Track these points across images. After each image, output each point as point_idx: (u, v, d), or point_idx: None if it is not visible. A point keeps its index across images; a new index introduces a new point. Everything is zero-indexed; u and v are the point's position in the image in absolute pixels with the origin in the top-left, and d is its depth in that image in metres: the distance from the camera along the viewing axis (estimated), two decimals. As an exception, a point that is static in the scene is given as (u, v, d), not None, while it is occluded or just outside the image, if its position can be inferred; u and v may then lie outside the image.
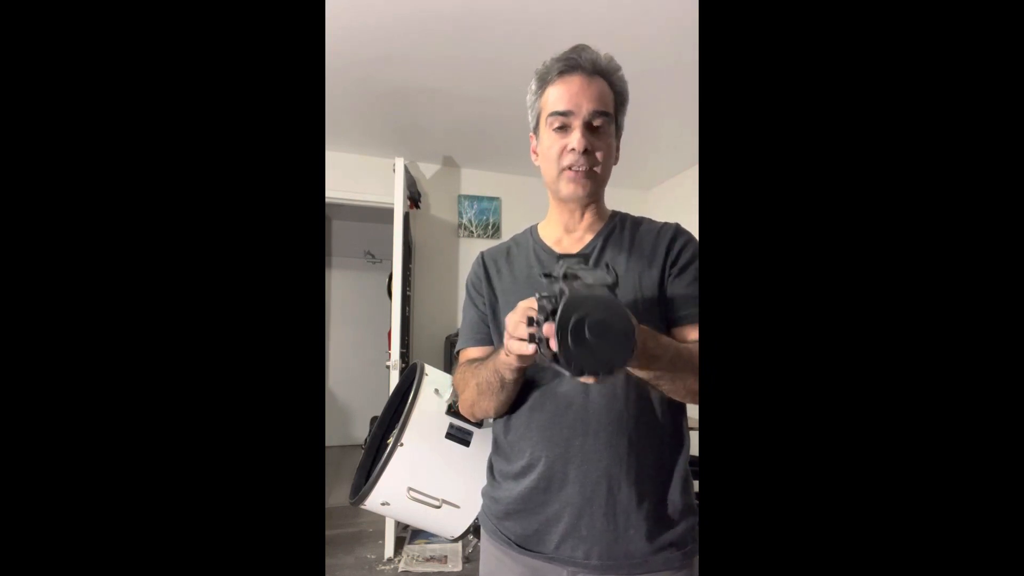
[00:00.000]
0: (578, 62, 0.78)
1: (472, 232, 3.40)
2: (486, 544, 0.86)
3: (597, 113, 0.77)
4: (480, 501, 0.90)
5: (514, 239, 0.93)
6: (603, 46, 0.81)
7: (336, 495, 3.37)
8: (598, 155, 0.78)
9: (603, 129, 0.78)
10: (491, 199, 3.44)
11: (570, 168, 0.78)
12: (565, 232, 0.85)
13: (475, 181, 3.42)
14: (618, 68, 0.81)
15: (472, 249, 3.40)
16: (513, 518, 0.80)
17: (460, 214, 3.39)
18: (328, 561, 2.48)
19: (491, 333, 0.86)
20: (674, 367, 0.66)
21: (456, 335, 3.21)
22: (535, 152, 0.86)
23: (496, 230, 3.44)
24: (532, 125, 0.85)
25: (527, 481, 0.79)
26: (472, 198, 3.41)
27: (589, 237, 0.84)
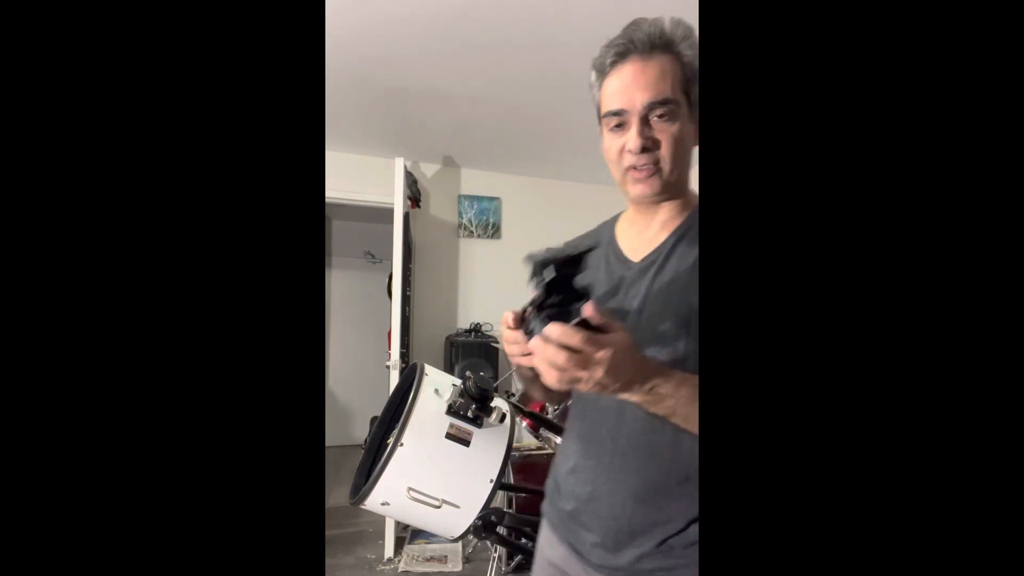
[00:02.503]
0: (632, 44, 0.69)
1: (472, 232, 3.40)
2: (545, 530, 0.88)
3: (654, 105, 0.68)
4: (479, 501, 0.91)
5: (599, 232, 0.86)
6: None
7: (336, 495, 3.36)
8: (662, 150, 0.70)
9: (667, 117, 0.69)
10: (491, 199, 3.44)
11: (633, 168, 0.72)
12: (639, 231, 0.79)
13: (475, 181, 3.42)
14: (687, 34, 0.70)
15: (472, 249, 3.41)
16: (559, 513, 0.83)
17: (460, 214, 3.39)
18: (328, 561, 2.48)
19: None
20: (687, 408, 0.62)
21: (456, 335, 3.23)
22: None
23: (496, 230, 3.44)
24: (597, 119, 0.78)
25: (571, 483, 0.80)
26: (472, 198, 3.41)
27: (663, 236, 0.76)
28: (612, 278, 0.77)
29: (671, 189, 0.74)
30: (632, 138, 0.69)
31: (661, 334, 0.70)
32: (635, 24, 0.70)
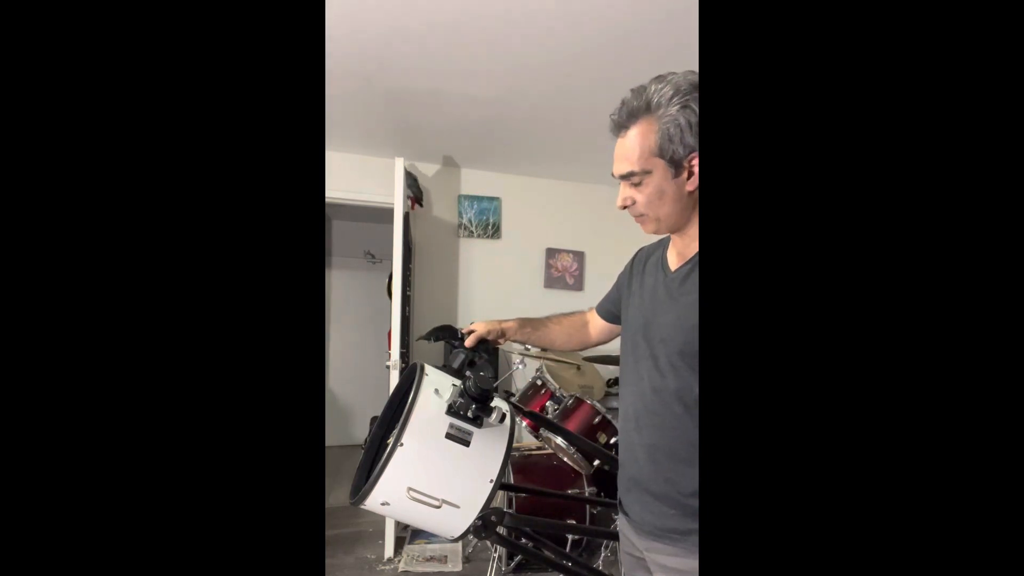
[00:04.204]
0: (613, 124, 0.86)
1: (472, 232, 3.40)
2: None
3: (625, 175, 0.86)
4: (479, 501, 0.91)
5: (662, 243, 1.01)
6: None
7: (336, 495, 3.36)
8: (638, 205, 0.88)
9: (636, 184, 0.86)
10: (491, 199, 3.43)
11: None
12: (678, 248, 0.94)
13: (475, 181, 3.42)
14: (669, 102, 0.81)
15: (472, 249, 3.41)
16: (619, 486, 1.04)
17: (460, 214, 3.38)
18: (328, 561, 2.48)
19: (616, 313, 1.09)
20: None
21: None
22: None
23: (496, 230, 3.44)
24: None
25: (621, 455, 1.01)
26: (472, 198, 3.40)
27: (689, 254, 0.91)
28: (656, 281, 0.95)
29: (666, 228, 0.91)
30: (618, 197, 0.89)
31: (687, 336, 0.84)
32: (622, 102, 0.85)
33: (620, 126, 0.85)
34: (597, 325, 1.20)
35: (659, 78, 0.83)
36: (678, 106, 0.81)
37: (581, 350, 1.25)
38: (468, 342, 1.09)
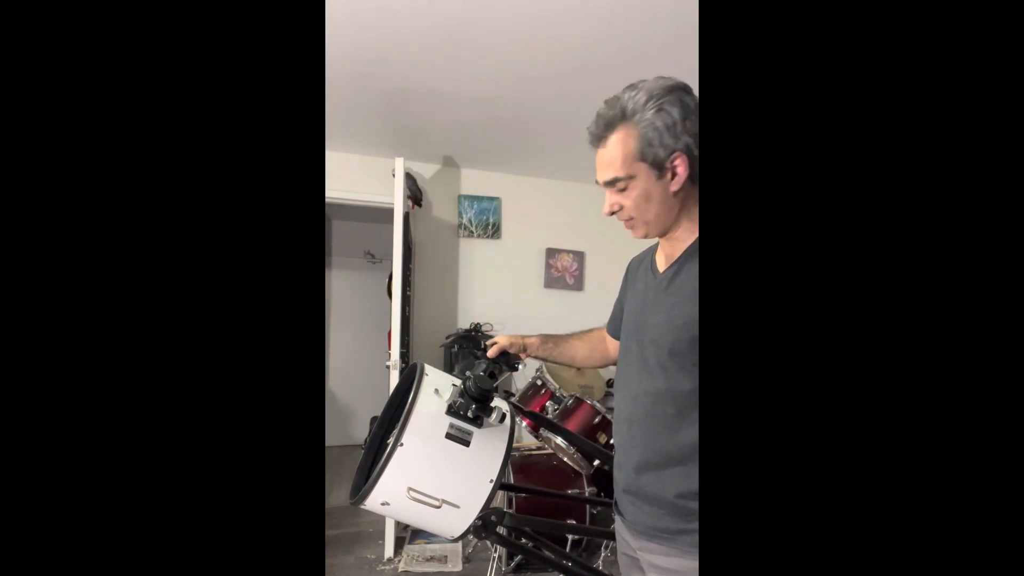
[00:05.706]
0: (591, 136, 0.88)
1: (472, 232, 3.40)
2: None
3: (610, 181, 0.87)
4: (479, 501, 0.91)
5: (651, 249, 1.03)
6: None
7: (336, 495, 3.36)
8: (626, 210, 0.89)
9: (621, 189, 0.87)
10: (491, 199, 3.43)
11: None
12: (665, 251, 0.96)
13: (475, 181, 3.42)
14: (644, 107, 0.83)
15: (472, 249, 3.41)
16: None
17: (460, 214, 3.39)
18: (328, 561, 2.48)
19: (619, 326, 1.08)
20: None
21: (456, 335, 3.23)
22: None
23: (496, 230, 3.44)
24: None
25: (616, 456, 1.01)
26: (472, 198, 3.40)
27: (676, 255, 0.92)
28: (647, 285, 0.97)
29: (656, 231, 0.91)
30: (605, 204, 0.90)
31: (676, 335, 0.84)
32: (596, 114, 0.87)
33: (599, 137, 0.87)
34: (611, 341, 1.20)
35: (631, 87, 0.85)
36: (653, 110, 0.82)
37: (603, 366, 1.25)
38: (490, 352, 1.10)
